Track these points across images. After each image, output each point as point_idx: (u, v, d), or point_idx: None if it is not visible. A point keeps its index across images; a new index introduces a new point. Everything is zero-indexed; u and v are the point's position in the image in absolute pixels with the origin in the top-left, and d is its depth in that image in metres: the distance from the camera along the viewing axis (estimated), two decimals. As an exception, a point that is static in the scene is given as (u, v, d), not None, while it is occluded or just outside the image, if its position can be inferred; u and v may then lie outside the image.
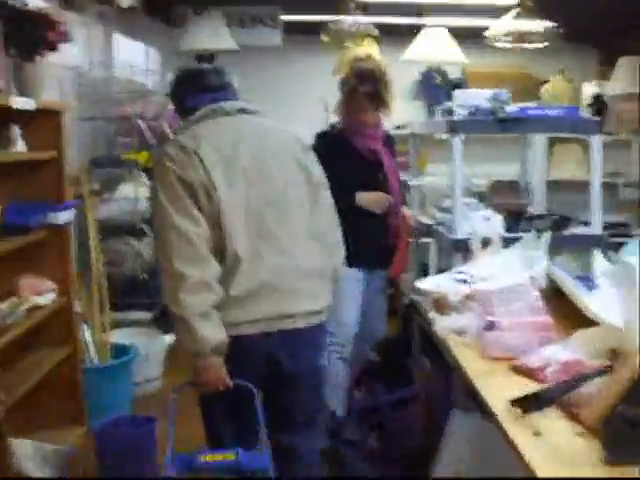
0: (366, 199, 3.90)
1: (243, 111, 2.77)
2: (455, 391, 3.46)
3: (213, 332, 2.45)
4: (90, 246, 4.88)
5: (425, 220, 4.29)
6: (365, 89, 3.87)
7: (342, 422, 3.86)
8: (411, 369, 4.01)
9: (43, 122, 3.94)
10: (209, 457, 2.43)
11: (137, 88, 5.94)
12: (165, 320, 5.92)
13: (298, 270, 2.62)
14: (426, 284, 3.26)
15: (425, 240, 4.26)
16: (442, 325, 2.89)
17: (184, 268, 2.42)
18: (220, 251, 2.53)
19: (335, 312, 3.14)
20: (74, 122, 5.15)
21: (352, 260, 3.66)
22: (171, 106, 5.98)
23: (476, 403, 2.56)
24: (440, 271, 4.09)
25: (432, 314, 2.99)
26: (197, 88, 2.79)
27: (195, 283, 2.42)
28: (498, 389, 2.34)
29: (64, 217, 3.88)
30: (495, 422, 2.15)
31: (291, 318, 2.60)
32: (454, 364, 2.72)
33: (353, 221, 3.68)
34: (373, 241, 3.90)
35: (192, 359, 2.51)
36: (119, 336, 5.13)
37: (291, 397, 2.75)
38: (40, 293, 3.92)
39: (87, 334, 4.60)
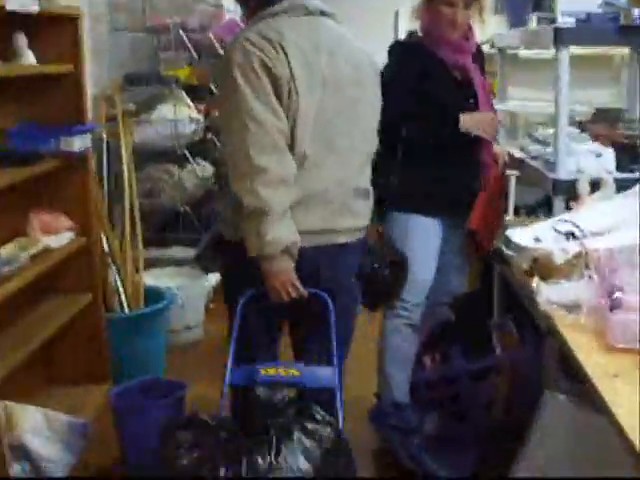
0: (476, 121, 3.06)
1: (322, 13, 2.45)
2: (547, 362, 2.80)
3: (286, 232, 2.28)
4: (123, 175, 4.28)
5: (515, 153, 3.54)
6: None
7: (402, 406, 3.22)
8: (491, 332, 3.33)
9: (57, 31, 3.31)
10: (271, 370, 2.22)
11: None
12: (209, 257, 5.36)
13: (351, 187, 2.48)
14: (521, 236, 2.56)
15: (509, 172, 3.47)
16: (547, 296, 2.18)
17: (264, 161, 2.23)
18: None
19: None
20: (107, 34, 4.52)
21: (429, 206, 3.11)
22: (224, 17, 5.44)
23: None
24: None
25: (536, 281, 2.27)
26: None
27: (275, 177, 2.24)
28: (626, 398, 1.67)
29: (80, 142, 3.26)
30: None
31: (336, 234, 2.46)
32: (566, 353, 2.03)
33: (435, 156, 3.07)
34: (460, 183, 3.13)
35: (261, 263, 2.31)
36: (154, 278, 4.56)
37: (311, 321, 2.53)
38: (53, 232, 3.33)
39: (117, 277, 4.02)
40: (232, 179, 2.30)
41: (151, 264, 4.66)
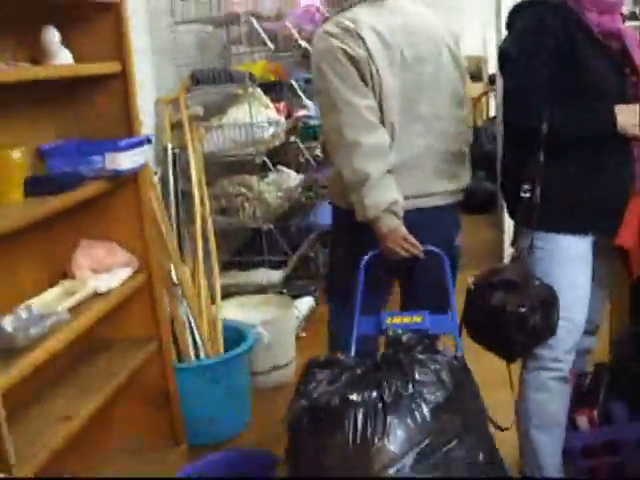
0: (632, 117, 2.29)
1: None
2: None
3: (385, 194, 2.47)
4: (193, 192, 3.64)
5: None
6: None
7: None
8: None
9: (98, 22, 2.67)
10: (397, 319, 2.42)
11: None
12: (300, 278, 4.71)
13: (441, 151, 2.65)
14: None
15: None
16: None
17: (356, 136, 2.47)
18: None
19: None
20: (169, 27, 3.89)
21: (578, 221, 2.40)
22: (299, 2, 4.77)
23: None
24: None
25: None
26: None
27: (367, 149, 2.47)
28: None
29: (131, 159, 2.60)
30: None
31: (431, 197, 2.64)
32: None
33: (581, 151, 2.34)
34: (613, 186, 2.37)
35: (372, 227, 2.52)
36: (236, 308, 3.91)
37: (425, 275, 2.65)
38: (106, 270, 2.71)
39: (189, 315, 3.37)
40: (332, 155, 2.62)
41: (230, 292, 4.01)
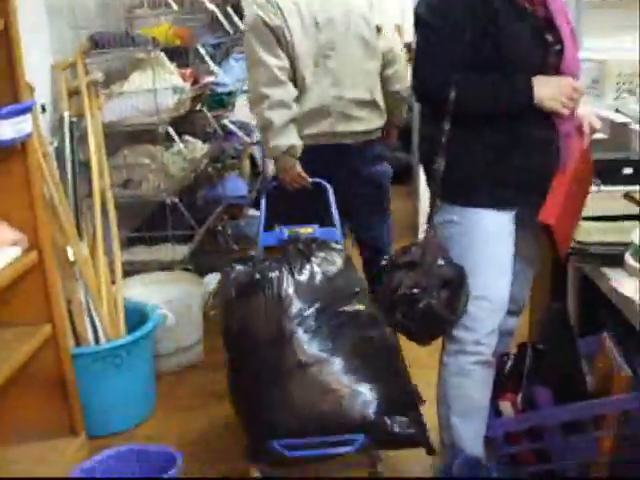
0: (553, 88, 2.18)
1: None
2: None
3: (285, 139, 3.07)
4: (91, 163, 3.41)
5: (606, 115, 2.62)
6: None
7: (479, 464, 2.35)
8: (580, 364, 2.45)
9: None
10: (293, 231, 2.80)
11: None
12: (208, 253, 4.50)
13: (349, 99, 3.16)
14: None
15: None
16: None
17: (266, 90, 3.05)
18: (293, 81, 3.11)
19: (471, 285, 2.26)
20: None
21: (497, 194, 2.27)
22: None
23: None
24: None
25: None
26: None
27: (274, 102, 3.05)
28: None
29: (15, 127, 2.36)
30: None
31: (343, 136, 3.19)
32: None
33: (498, 123, 2.23)
34: (533, 159, 2.22)
35: (274, 163, 3.24)
36: (139, 286, 3.69)
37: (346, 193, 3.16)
38: (-9, 249, 2.47)
39: (88, 296, 3.15)
40: (250, 106, 3.21)
41: (133, 270, 3.79)
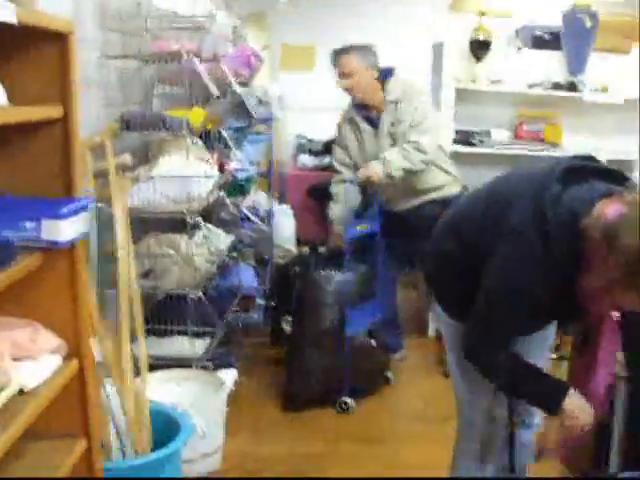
0: (577, 409, 2.36)
1: None
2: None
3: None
4: (117, 253, 3.15)
5: None
6: None
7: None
8: None
9: (37, 56, 2.17)
10: None
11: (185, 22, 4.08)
12: (220, 346, 4.22)
13: None
14: None
15: None
16: None
17: None
18: None
19: None
20: (97, 60, 3.42)
21: None
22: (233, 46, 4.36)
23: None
24: None
25: None
26: None
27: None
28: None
29: (72, 227, 2.11)
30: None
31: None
32: None
33: None
34: None
35: None
36: (154, 384, 3.40)
37: None
38: (32, 356, 2.19)
39: (116, 404, 2.87)
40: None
41: (151, 365, 3.50)
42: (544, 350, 2.62)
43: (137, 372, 3.27)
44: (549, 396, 2.32)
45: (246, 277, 4.55)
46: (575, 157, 2.34)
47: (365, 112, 4.53)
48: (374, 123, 4.49)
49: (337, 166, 4.68)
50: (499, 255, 2.23)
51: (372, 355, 4.35)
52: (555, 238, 2.09)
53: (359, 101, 4.51)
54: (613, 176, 2.26)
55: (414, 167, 4.31)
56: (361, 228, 4.28)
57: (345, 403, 4.16)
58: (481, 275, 2.28)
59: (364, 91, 4.43)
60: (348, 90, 4.46)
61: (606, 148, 5.26)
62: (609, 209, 2.02)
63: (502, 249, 2.22)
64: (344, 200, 4.53)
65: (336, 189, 4.64)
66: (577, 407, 2.29)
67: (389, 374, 4.62)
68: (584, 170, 2.23)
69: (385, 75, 4.46)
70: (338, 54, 4.44)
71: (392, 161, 4.27)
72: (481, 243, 2.33)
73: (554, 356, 2.69)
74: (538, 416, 2.78)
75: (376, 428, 4.06)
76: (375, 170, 4.29)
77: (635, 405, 2.60)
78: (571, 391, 2.30)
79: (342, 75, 4.41)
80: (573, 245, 2.08)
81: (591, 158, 2.34)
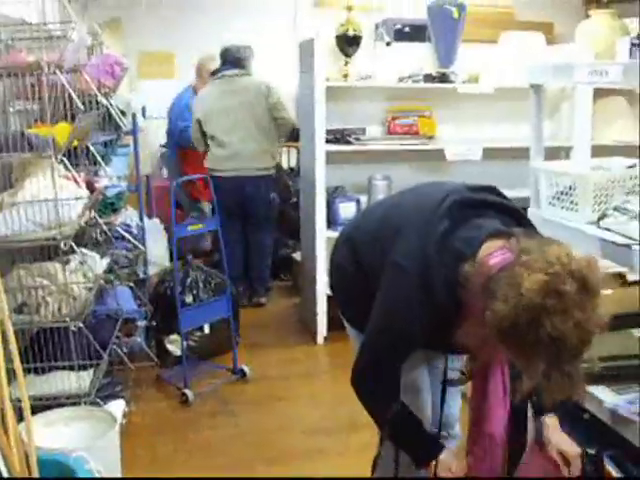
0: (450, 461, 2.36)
1: (231, 76, 5.77)
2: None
3: None
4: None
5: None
6: None
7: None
8: None
9: None
10: None
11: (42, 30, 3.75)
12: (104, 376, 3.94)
13: (249, 151, 5.70)
14: None
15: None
16: None
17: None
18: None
19: None
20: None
21: None
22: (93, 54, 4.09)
23: None
24: None
25: None
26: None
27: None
28: None
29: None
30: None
31: (243, 170, 5.67)
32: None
33: None
34: None
35: None
36: (40, 428, 3.10)
37: (248, 210, 5.83)
38: None
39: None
40: None
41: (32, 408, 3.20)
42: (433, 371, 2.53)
43: (19, 418, 2.98)
44: (425, 452, 2.29)
45: (125, 300, 4.28)
46: (472, 188, 2.21)
47: None
48: None
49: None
50: (383, 285, 2.15)
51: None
52: (436, 285, 1.99)
53: None
54: (509, 212, 2.16)
55: None
56: (193, 228, 4.54)
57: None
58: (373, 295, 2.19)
59: None
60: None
61: (478, 137, 5.29)
62: (492, 258, 1.89)
63: (385, 279, 2.14)
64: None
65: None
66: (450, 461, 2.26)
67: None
68: (476, 205, 2.13)
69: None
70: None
71: None
72: (371, 263, 2.26)
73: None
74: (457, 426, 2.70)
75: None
76: None
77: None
78: (445, 452, 2.27)
79: None
80: (454, 291, 1.97)
81: (489, 189, 2.23)
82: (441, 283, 1.99)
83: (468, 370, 2.36)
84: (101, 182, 3.79)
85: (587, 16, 5.39)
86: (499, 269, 1.83)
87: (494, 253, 1.89)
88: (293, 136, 5.85)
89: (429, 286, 2.00)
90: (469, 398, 2.40)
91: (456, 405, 2.68)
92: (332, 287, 2.62)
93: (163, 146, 7.11)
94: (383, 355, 2.21)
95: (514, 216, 2.15)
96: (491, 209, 2.13)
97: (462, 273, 1.93)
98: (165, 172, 7.08)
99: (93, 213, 3.76)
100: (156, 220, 5.91)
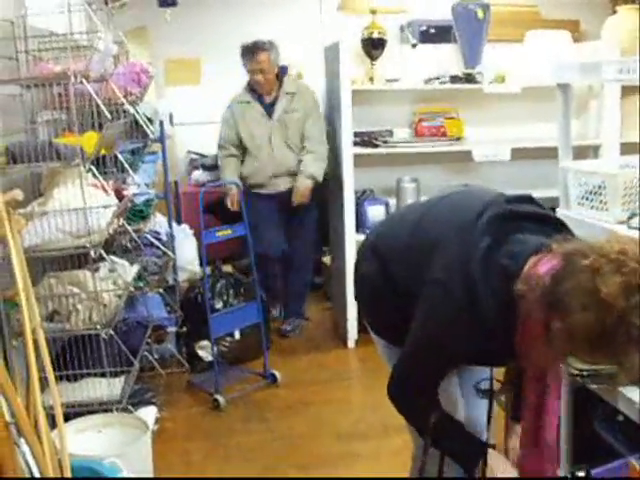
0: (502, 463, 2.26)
1: None
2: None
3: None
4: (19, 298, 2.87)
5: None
6: None
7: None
8: None
9: None
10: None
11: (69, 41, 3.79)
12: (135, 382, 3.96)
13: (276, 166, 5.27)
14: None
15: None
16: None
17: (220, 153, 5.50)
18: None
19: None
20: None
21: None
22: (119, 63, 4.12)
23: None
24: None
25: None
26: None
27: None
28: None
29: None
30: None
31: (274, 186, 5.31)
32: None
33: None
34: None
35: None
36: (71, 434, 3.13)
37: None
38: None
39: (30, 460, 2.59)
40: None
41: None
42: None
43: (52, 425, 3.01)
44: (470, 457, 2.20)
45: (155, 306, 4.30)
46: (508, 199, 2.13)
47: (261, 99, 5.25)
48: (268, 110, 5.22)
49: (223, 142, 5.40)
50: (424, 303, 2.08)
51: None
52: (482, 304, 1.92)
53: (262, 92, 5.23)
54: (547, 221, 2.10)
55: (325, 163, 5.19)
56: (222, 234, 4.52)
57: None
58: (407, 307, 2.14)
59: (271, 85, 5.18)
60: (260, 84, 5.16)
61: (505, 138, 5.26)
62: (541, 267, 1.82)
63: (427, 295, 2.07)
64: (235, 168, 5.35)
65: (226, 161, 5.40)
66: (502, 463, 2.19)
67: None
68: (515, 217, 2.06)
69: (283, 71, 5.29)
70: (254, 50, 5.07)
71: (315, 170, 5.12)
72: (404, 276, 2.20)
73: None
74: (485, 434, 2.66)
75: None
76: (306, 186, 5.14)
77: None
78: (491, 452, 2.18)
79: (256, 71, 5.11)
80: (503, 309, 1.91)
81: (525, 199, 2.16)
82: (488, 302, 1.93)
83: (508, 380, 2.32)
84: (129, 190, 3.82)
85: (613, 12, 5.34)
86: (551, 277, 1.78)
87: (540, 262, 1.85)
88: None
89: (475, 305, 1.94)
90: (506, 406, 2.37)
91: (483, 414, 2.63)
92: (357, 298, 2.56)
93: (192, 152, 7.13)
94: (424, 372, 2.17)
95: (552, 224, 2.11)
96: (530, 220, 2.08)
97: (516, 290, 1.87)
98: (192, 179, 7.08)
99: (122, 221, 3.77)
100: (185, 226, 5.92)
